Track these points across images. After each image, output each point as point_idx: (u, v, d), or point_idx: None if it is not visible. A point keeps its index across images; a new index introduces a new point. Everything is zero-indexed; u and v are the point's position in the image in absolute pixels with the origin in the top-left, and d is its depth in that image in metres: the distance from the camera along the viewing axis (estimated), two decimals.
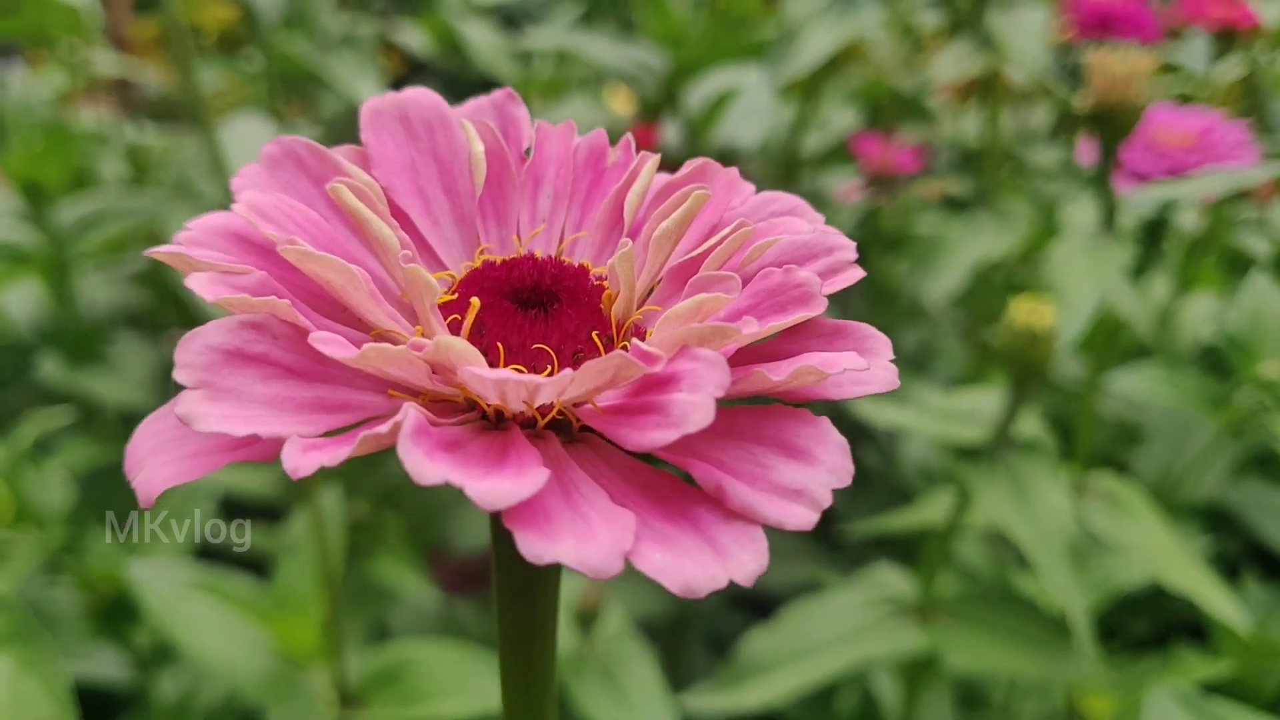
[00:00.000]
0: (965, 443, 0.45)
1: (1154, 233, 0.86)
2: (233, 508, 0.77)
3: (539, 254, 0.23)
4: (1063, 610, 0.62)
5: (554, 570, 0.21)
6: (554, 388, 0.17)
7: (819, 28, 0.57)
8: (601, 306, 0.21)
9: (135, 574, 0.57)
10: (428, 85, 0.27)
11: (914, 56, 1.03)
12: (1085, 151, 0.83)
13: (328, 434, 0.17)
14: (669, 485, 0.18)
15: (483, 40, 0.92)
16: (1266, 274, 0.76)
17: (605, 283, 0.21)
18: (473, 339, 0.20)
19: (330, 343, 0.17)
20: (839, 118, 1.13)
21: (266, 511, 0.77)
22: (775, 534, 0.64)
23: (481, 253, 0.23)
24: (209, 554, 0.74)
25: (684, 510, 0.17)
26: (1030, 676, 0.55)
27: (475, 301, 0.20)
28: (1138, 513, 0.56)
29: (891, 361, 0.19)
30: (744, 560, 0.16)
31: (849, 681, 0.65)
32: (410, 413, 0.16)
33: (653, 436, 0.17)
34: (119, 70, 1.33)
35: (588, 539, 0.16)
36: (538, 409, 0.19)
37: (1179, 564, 0.54)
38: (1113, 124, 0.47)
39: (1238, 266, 0.90)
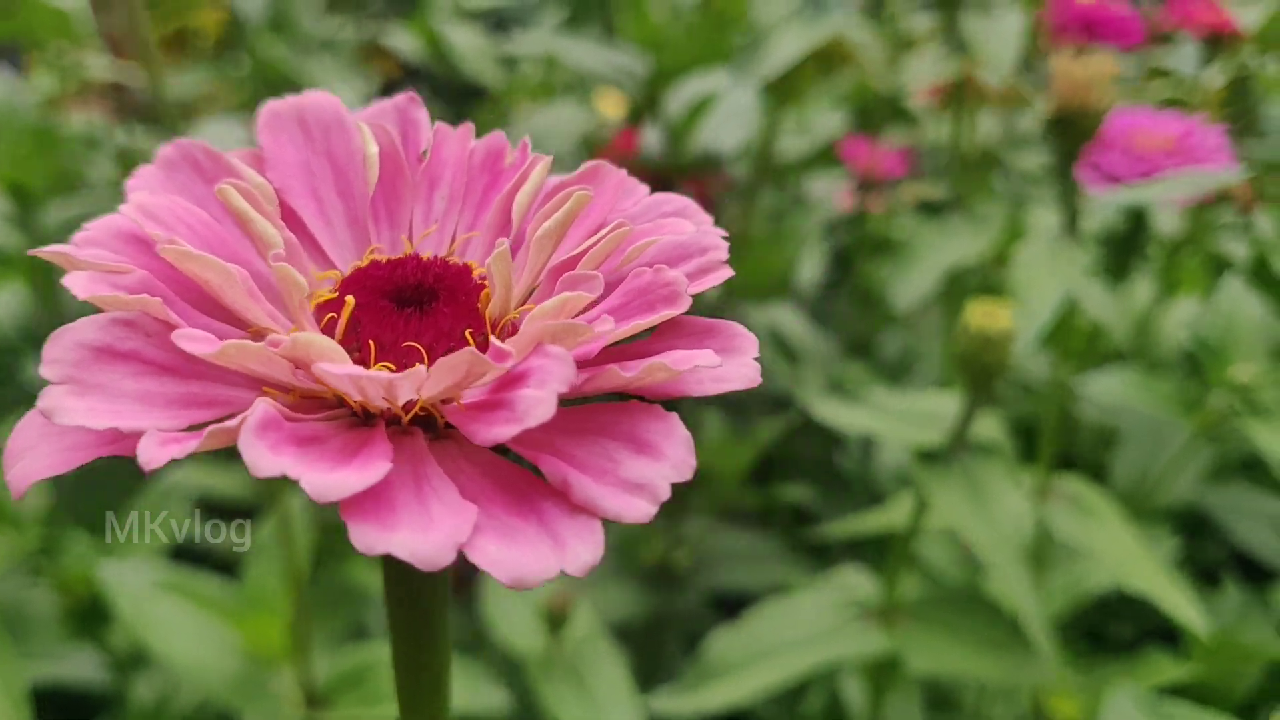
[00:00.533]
0: (923, 445, 0.46)
1: (1133, 236, 0.86)
2: (215, 509, 0.78)
3: (426, 255, 0.23)
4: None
5: (441, 575, 0.21)
6: (410, 384, 0.17)
7: (788, 32, 0.57)
8: (479, 305, 0.21)
9: (105, 575, 0.57)
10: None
11: (902, 59, 1.03)
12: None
13: (195, 428, 0.18)
14: (524, 480, 0.19)
15: (467, 44, 0.92)
16: (1242, 278, 0.76)
17: (487, 282, 0.22)
18: (347, 336, 0.20)
19: (194, 339, 0.18)
20: (825, 121, 1.13)
21: (248, 512, 0.77)
22: (757, 538, 0.64)
23: (371, 253, 0.23)
24: (197, 555, 0.75)
25: (532, 504, 0.18)
26: (993, 679, 0.55)
27: (350, 300, 0.20)
28: (1102, 516, 0.56)
29: (755, 359, 0.19)
30: (579, 552, 0.17)
31: (817, 682, 0.65)
32: (259, 407, 0.17)
33: (498, 431, 0.17)
34: (111, 74, 1.34)
35: (424, 531, 0.16)
36: (403, 406, 0.19)
37: (1142, 567, 0.54)
38: (1074, 128, 0.47)
39: (1223, 271, 0.90)
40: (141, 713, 0.67)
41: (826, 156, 1.24)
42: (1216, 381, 0.69)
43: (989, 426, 0.49)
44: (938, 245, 0.63)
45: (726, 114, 0.84)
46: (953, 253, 0.62)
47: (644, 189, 0.24)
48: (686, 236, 0.21)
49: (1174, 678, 0.63)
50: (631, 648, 0.71)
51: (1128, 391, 0.68)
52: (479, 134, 0.26)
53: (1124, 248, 0.87)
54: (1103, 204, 0.48)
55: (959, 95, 0.68)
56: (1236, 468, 0.92)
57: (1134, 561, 0.54)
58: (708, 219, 0.23)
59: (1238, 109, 1.49)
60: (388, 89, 1.71)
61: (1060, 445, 0.96)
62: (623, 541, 0.77)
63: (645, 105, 0.82)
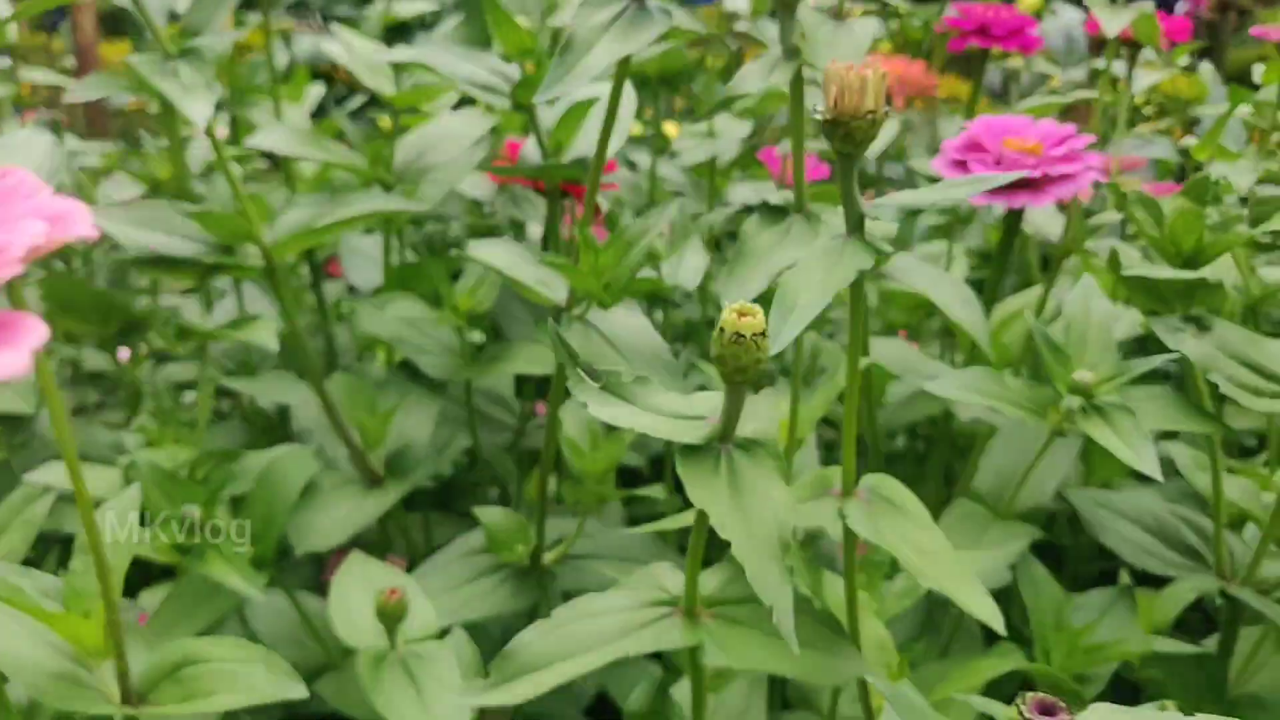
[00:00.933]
0: (687, 442, 0.46)
1: (1006, 241, 0.87)
2: None
3: None
4: (837, 609, 0.63)
5: None
6: None
7: (601, 43, 0.58)
8: None
9: None
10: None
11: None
12: (939, 162, 0.83)
13: None
14: None
15: (358, 53, 0.94)
16: (1097, 278, 0.77)
17: None
18: None
19: None
20: (736, 129, 1.14)
21: None
22: (627, 536, 0.64)
23: None
24: None
25: None
26: (800, 676, 0.56)
27: None
28: (909, 513, 0.57)
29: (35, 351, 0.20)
30: None
31: (646, 679, 0.66)
32: None
33: None
34: (47, 81, 1.36)
35: None
36: None
37: (942, 565, 0.55)
38: (849, 132, 0.47)
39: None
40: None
41: (748, 161, 1.25)
42: (1061, 382, 0.69)
43: (757, 423, 0.49)
44: (774, 249, 0.64)
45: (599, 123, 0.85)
46: (787, 256, 0.63)
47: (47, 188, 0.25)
48: None
49: (998, 672, 0.64)
50: (495, 647, 0.71)
51: (974, 391, 0.69)
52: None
53: (1000, 252, 0.88)
54: (878, 207, 0.49)
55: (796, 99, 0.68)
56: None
57: (932, 558, 0.55)
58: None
59: (1170, 115, 1.50)
60: (339, 101, 1.72)
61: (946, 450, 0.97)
62: (489, 541, 0.78)
63: (523, 114, 0.83)
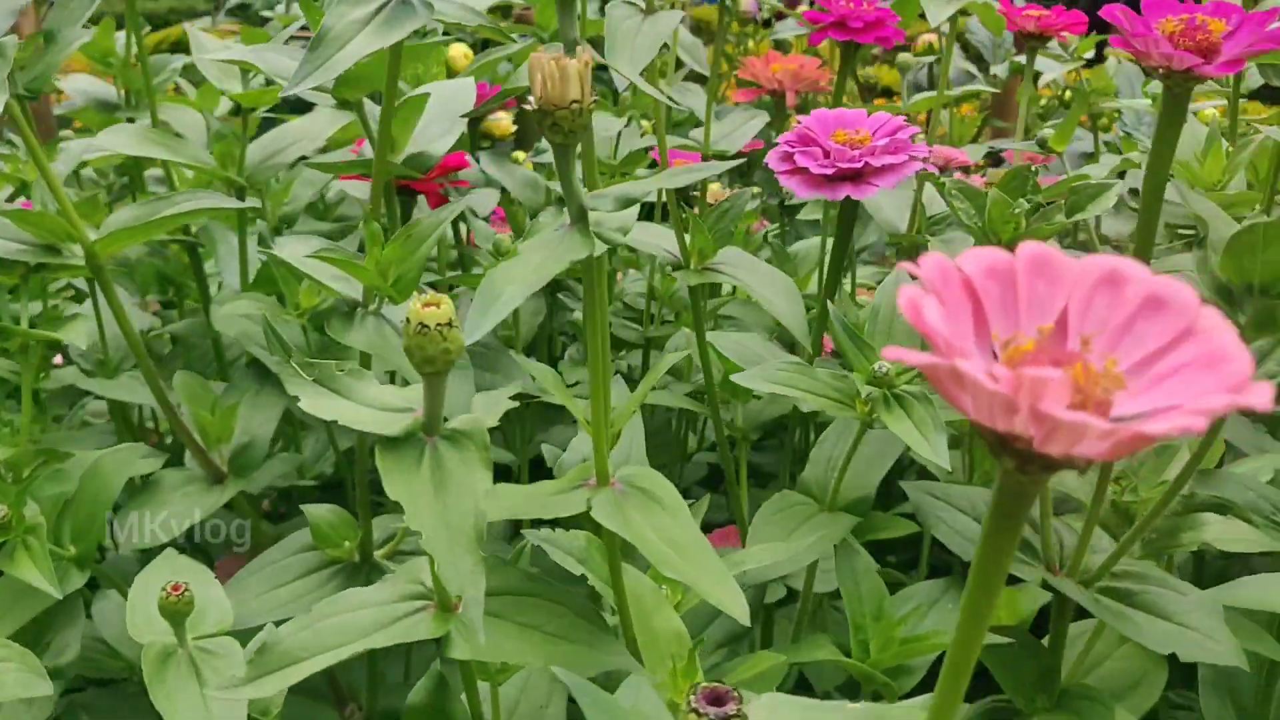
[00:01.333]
0: (386, 434, 0.46)
1: (842, 235, 0.86)
2: None
3: None
4: (634, 602, 0.63)
5: None
6: None
7: (359, 37, 0.58)
8: None
9: None
10: None
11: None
12: (772, 155, 0.83)
13: None
14: None
15: (210, 51, 0.94)
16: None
17: None
18: None
19: None
20: (614, 126, 1.14)
21: None
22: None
23: None
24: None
25: None
26: (560, 666, 0.56)
27: None
28: (666, 505, 0.57)
29: None
30: None
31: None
32: None
33: None
34: None
35: None
36: None
37: (691, 557, 0.55)
38: (555, 122, 0.47)
39: None
40: None
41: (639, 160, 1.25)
42: (861, 372, 0.69)
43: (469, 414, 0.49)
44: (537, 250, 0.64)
45: (438, 118, 0.86)
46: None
47: None
48: None
49: (772, 665, 0.64)
50: None
51: (768, 382, 0.69)
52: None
53: (837, 243, 0.88)
54: (597, 198, 0.49)
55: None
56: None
57: (685, 552, 0.55)
58: None
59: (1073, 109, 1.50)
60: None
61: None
62: (315, 537, 0.78)
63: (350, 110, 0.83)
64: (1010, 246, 0.81)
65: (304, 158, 0.94)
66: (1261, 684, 0.85)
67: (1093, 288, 0.33)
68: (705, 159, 1.00)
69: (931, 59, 1.52)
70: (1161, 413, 0.29)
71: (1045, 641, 0.79)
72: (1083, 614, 0.77)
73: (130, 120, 1.17)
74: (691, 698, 0.42)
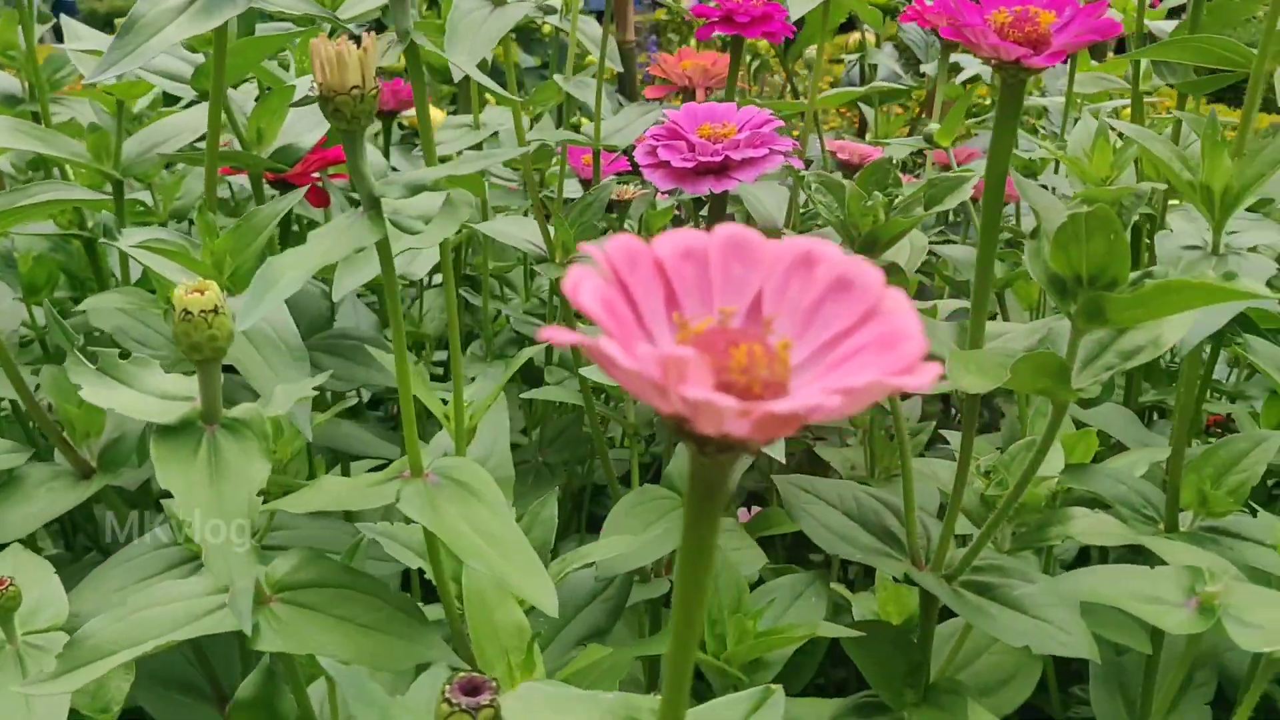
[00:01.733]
0: (161, 422, 0.46)
1: (712, 222, 0.86)
2: None
3: None
4: (474, 593, 0.62)
5: None
6: None
7: (173, 24, 0.57)
8: None
9: None
10: None
11: None
12: (640, 148, 0.83)
13: None
14: None
15: (85, 42, 0.93)
16: None
17: None
18: None
19: None
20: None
21: None
22: (328, 523, 0.63)
23: None
24: None
25: None
26: (366, 660, 0.55)
27: None
28: (483, 498, 0.56)
29: None
30: None
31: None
32: None
33: None
34: None
35: None
36: None
37: (504, 550, 0.54)
38: (337, 108, 0.47)
39: None
40: None
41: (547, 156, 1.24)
42: None
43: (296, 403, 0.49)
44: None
45: (311, 110, 0.85)
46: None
47: None
48: None
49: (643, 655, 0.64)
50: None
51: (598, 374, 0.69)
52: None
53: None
54: (387, 184, 0.49)
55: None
56: None
57: (499, 544, 0.55)
58: None
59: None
60: None
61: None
62: (175, 532, 0.77)
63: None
64: (870, 239, 0.80)
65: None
66: (1143, 677, 0.85)
67: (788, 270, 0.33)
68: (596, 154, 1.00)
69: (855, 57, 1.52)
70: (804, 391, 0.29)
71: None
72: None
73: (35, 115, 1.16)
74: (447, 687, 0.41)
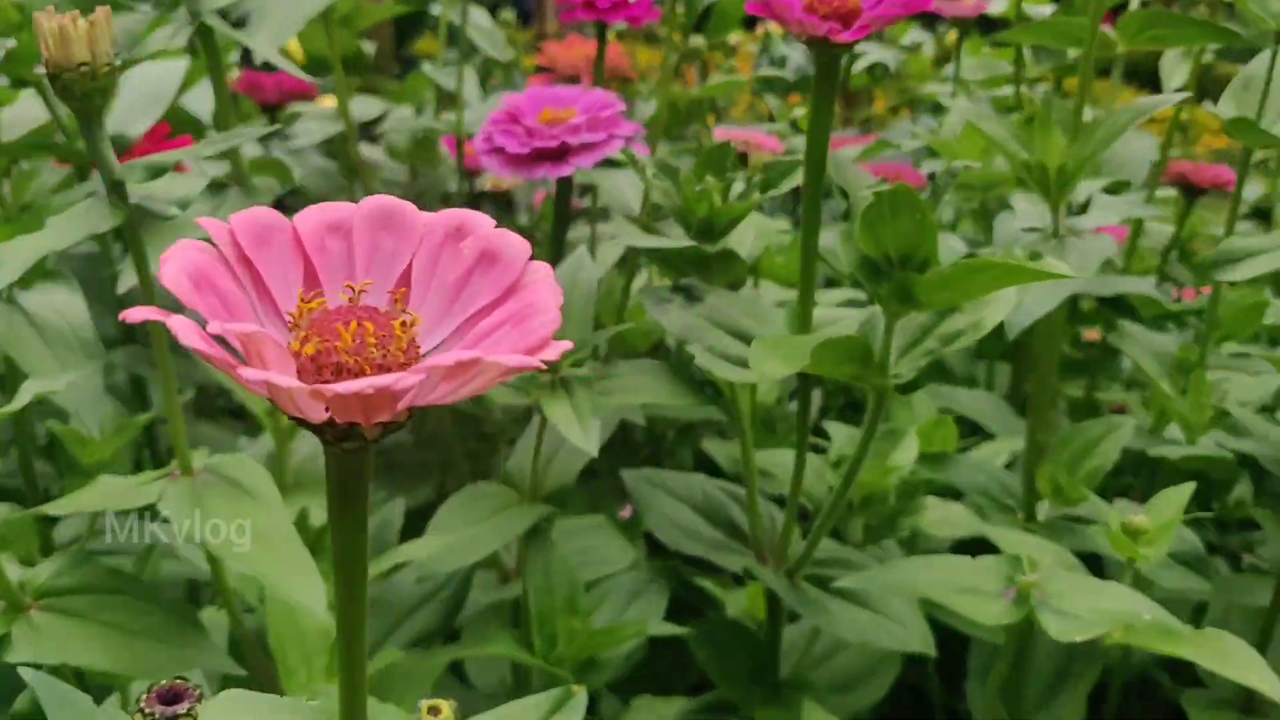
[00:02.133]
0: None
1: (560, 209, 0.84)
2: None
3: None
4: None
5: None
6: None
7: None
8: None
9: None
10: None
11: None
12: (479, 134, 0.80)
13: None
14: None
15: None
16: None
17: None
18: None
19: None
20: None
21: None
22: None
23: None
24: None
25: None
26: (140, 671, 0.52)
27: None
28: (257, 497, 0.53)
29: None
30: None
31: None
32: None
33: None
34: None
35: None
36: None
37: (274, 549, 0.52)
38: (67, 85, 0.44)
39: None
40: None
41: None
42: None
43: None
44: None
45: (143, 98, 0.82)
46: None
47: None
48: None
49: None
50: None
51: None
52: None
53: (555, 224, 0.85)
54: (129, 169, 0.46)
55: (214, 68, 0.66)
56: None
57: (269, 544, 0.52)
58: None
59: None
60: None
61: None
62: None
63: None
64: (705, 225, 0.78)
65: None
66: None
67: (441, 243, 0.30)
68: (459, 143, 0.97)
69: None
70: (397, 370, 0.26)
71: None
72: None
73: None
74: (144, 697, 0.39)
